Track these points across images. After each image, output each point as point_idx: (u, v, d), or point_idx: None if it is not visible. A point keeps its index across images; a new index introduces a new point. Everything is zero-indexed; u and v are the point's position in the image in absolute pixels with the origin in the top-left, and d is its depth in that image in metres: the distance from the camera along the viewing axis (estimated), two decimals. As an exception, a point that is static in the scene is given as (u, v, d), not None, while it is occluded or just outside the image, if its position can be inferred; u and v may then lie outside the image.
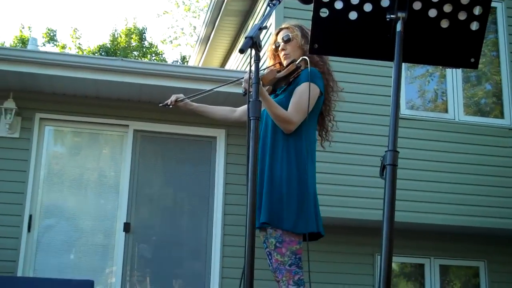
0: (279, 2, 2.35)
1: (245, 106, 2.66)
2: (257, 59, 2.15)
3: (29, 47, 8.84)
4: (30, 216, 6.33)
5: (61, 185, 6.70)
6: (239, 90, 2.96)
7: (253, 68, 2.16)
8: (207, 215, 6.72)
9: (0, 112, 6.31)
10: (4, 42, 23.03)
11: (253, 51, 2.13)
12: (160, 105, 3.50)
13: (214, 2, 8.63)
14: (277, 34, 3.21)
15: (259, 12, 7.86)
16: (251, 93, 2.18)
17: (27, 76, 6.17)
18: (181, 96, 3.42)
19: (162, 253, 6.64)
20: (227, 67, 10.24)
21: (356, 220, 6.52)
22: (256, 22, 7.99)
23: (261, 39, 2.19)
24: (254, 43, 2.10)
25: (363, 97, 6.57)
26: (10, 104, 6.29)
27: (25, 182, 6.37)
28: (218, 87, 3.45)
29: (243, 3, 8.35)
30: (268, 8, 2.32)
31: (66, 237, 6.52)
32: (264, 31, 2.30)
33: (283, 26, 3.21)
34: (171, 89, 6.25)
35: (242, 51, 2.08)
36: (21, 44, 22.26)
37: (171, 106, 3.42)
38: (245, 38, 2.10)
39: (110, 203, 6.69)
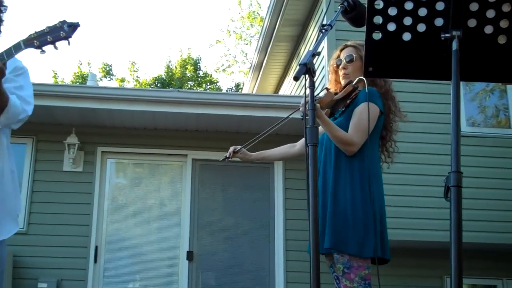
0: (331, 27, 2.34)
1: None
2: (312, 85, 2.14)
3: (88, 83, 9.14)
4: (96, 248, 6.49)
5: (124, 216, 6.84)
6: (295, 115, 2.96)
7: (308, 94, 2.15)
8: (268, 241, 6.71)
9: (64, 147, 6.52)
10: (63, 79, 23.84)
11: (308, 78, 2.12)
12: (220, 160, 3.54)
13: (265, 29, 8.72)
14: (341, 50, 3.17)
15: (310, 37, 7.88)
16: (307, 119, 2.16)
17: (88, 112, 6.38)
18: (238, 147, 3.45)
19: (226, 280, 6.66)
20: (281, 92, 10.28)
21: (422, 242, 6.34)
22: (307, 47, 8.03)
23: (314, 64, 2.18)
24: (308, 70, 2.09)
25: (422, 116, 6.44)
26: (73, 139, 6.51)
27: (90, 214, 6.55)
28: (276, 126, 3.37)
29: (293, 29, 8.41)
30: (320, 34, 2.32)
31: (131, 267, 6.64)
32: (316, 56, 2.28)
33: (349, 43, 3.15)
34: (227, 117, 6.35)
35: (296, 78, 2.08)
36: (80, 80, 23.00)
37: (230, 159, 3.46)
38: (299, 65, 2.10)
39: (173, 232, 6.78)
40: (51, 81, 22.68)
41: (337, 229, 2.79)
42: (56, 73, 23.71)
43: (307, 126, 2.13)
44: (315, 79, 2.18)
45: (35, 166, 6.60)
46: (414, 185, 6.36)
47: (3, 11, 2.63)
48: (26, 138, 6.53)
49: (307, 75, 2.12)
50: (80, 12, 35.95)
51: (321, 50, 6.81)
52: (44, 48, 2.11)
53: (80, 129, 6.61)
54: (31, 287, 6.15)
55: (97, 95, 6.34)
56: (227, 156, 3.45)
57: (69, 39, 2.08)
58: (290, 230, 6.64)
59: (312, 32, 7.73)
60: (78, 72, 23.68)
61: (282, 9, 7.93)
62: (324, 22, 2.39)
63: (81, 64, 24.08)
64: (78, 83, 22.28)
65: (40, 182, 6.54)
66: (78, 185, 6.62)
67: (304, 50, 8.24)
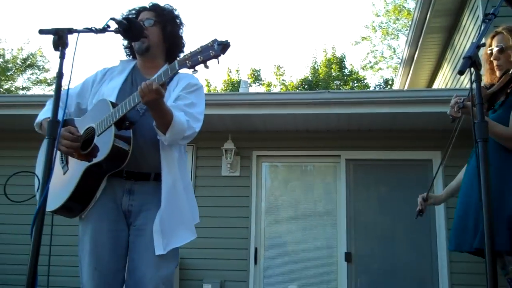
0: (494, 16, 2.19)
1: None
2: (478, 78, 2.02)
3: (241, 89, 9.42)
4: (256, 249, 6.67)
5: (281, 218, 6.96)
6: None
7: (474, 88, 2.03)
8: (429, 241, 6.46)
9: (221, 153, 6.78)
10: (215, 87, 24.87)
11: (473, 71, 2.01)
12: (416, 218, 3.41)
13: (415, 22, 8.43)
14: (492, 37, 3.01)
15: (464, 26, 7.48)
16: (475, 114, 2.04)
17: (242, 117, 6.57)
18: (424, 194, 3.35)
19: (386, 282, 6.51)
20: (434, 86, 9.88)
21: None
22: (462, 37, 7.63)
23: (479, 57, 2.05)
24: (473, 63, 1.98)
25: None
26: (229, 145, 6.75)
27: (248, 217, 6.75)
28: (450, 145, 3.11)
29: (446, 19, 8.03)
30: (484, 24, 2.18)
31: (290, 268, 6.74)
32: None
33: (499, 29, 2.99)
34: (380, 115, 6.22)
35: (461, 72, 1.97)
36: (230, 87, 23.84)
37: (423, 208, 3.36)
38: (463, 58, 2.00)
39: (329, 233, 6.78)
40: (204, 90, 23.75)
41: (504, 229, 2.60)
42: (209, 82, 24.83)
43: (475, 121, 2.01)
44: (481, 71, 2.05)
45: (196, 172, 6.94)
46: None
47: (181, 27, 2.81)
48: (188, 146, 6.87)
49: (472, 69, 2.01)
50: (228, 21, 37.38)
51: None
52: (196, 67, 2.17)
53: (236, 134, 6.84)
54: (196, 288, 6.49)
55: (250, 101, 6.49)
56: (420, 208, 3.36)
57: (219, 57, 2.12)
58: (453, 229, 6.33)
59: (467, 21, 7.32)
60: (228, 80, 24.59)
61: (433, 0, 7.61)
62: (481, 10, 2.24)
63: (230, 72, 24.98)
64: (228, 90, 23.13)
65: (201, 187, 6.85)
66: (236, 189, 6.85)
67: (459, 40, 7.84)
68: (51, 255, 2.43)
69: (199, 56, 2.14)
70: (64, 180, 2.53)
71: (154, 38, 2.69)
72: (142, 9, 2.78)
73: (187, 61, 2.17)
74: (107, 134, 2.41)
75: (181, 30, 2.82)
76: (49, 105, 2.72)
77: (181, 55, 2.81)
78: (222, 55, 2.12)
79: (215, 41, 2.12)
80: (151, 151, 2.50)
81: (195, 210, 2.70)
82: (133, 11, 2.79)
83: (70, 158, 2.55)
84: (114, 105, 2.45)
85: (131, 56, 2.88)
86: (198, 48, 2.16)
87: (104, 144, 2.39)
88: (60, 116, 2.53)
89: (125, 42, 2.85)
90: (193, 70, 2.18)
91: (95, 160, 2.40)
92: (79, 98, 2.74)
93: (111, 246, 2.46)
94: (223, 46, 2.10)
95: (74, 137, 2.44)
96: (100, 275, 2.43)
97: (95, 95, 2.67)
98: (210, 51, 2.11)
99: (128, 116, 2.43)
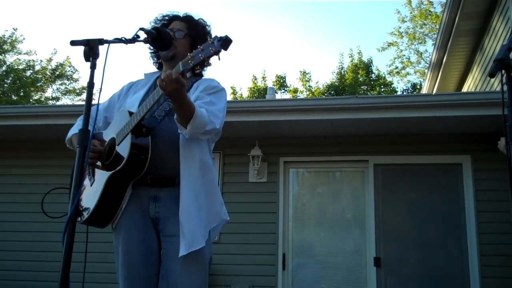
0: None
1: None
2: (510, 80, 2.00)
3: (267, 96, 9.43)
4: (284, 255, 6.65)
5: (309, 224, 6.94)
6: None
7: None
8: (459, 246, 6.38)
9: (248, 160, 6.79)
10: (241, 94, 24.90)
11: (504, 73, 1.98)
12: None
13: (443, 25, 8.35)
14: None
15: (494, 28, 7.37)
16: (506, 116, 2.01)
17: (269, 124, 6.56)
18: None
19: (416, 287, 6.43)
20: (464, 89, 9.75)
21: None
22: (492, 39, 7.52)
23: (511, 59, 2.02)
24: (504, 65, 1.96)
25: None
26: (256, 151, 6.75)
27: (275, 222, 6.74)
28: None
29: (474, 22, 7.94)
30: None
31: (318, 273, 6.71)
32: None
33: None
34: (407, 120, 6.16)
35: (492, 75, 1.95)
36: (256, 94, 23.84)
37: None
38: (494, 61, 1.97)
39: (358, 238, 6.73)
40: (230, 97, 23.85)
41: None
42: (234, 89, 24.88)
43: (507, 123, 1.98)
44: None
45: (224, 179, 6.95)
46: None
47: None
48: (214, 153, 6.90)
49: (503, 71, 1.98)
50: (253, 28, 37.50)
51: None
52: (198, 66, 2.16)
53: (263, 141, 6.84)
54: (225, 294, 6.48)
55: (277, 108, 6.48)
56: None
57: (219, 53, 2.10)
58: (484, 233, 6.23)
59: (497, 23, 7.22)
60: (253, 87, 24.62)
61: (461, 3, 7.53)
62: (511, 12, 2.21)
63: (255, 79, 25.02)
64: (254, 98, 23.16)
65: (228, 194, 6.84)
66: (263, 195, 6.85)
67: (489, 43, 7.73)
68: (86, 262, 2.46)
69: (200, 55, 2.12)
70: (91, 191, 2.57)
71: (181, 50, 2.67)
72: (175, 18, 2.78)
73: (189, 61, 2.16)
74: (125, 142, 2.44)
75: None
76: (79, 121, 2.73)
77: (206, 69, 2.81)
78: (223, 50, 2.09)
79: (215, 38, 2.11)
80: (173, 156, 2.49)
81: (214, 212, 2.57)
82: (166, 18, 2.79)
83: (96, 170, 2.59)
84: (132, 114, 2.48)
85: (156, 61, 2.87)
86: (200, 47, 2.14)
87: (123, 152, 2.43)
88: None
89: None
90: (196, 69, 2.16)
91: (115, 169, 2.43)
92: (107, 112, 2.79)
93: (142, 255, 2.48)
94: (223, 42, 2.08)
95: (94, 148, 2.48)
96: (130, 284, 2.45)
97: (120, 108, 2.70)
98: (210, 48, 2.09)
99: (145, 124, 2.45)
